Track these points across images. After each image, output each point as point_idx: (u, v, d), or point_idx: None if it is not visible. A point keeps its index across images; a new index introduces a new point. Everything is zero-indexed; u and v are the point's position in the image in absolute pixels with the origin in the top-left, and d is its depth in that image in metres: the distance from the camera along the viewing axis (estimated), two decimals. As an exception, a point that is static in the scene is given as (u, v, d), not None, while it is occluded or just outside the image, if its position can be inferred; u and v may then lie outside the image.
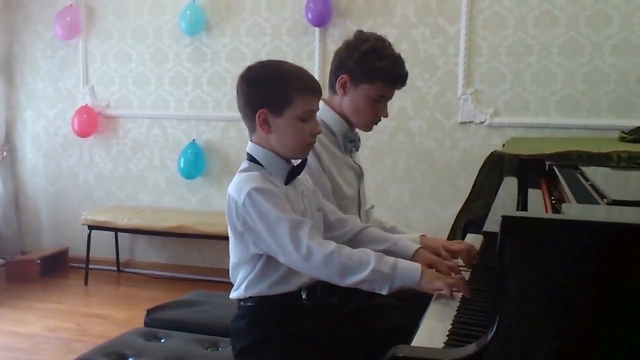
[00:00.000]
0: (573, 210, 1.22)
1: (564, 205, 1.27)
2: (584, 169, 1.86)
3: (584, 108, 3.76)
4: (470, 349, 1.15)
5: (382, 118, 2.04)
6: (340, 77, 1.99)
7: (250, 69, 1.66)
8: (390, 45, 2.00)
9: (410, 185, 4.08)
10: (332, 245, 1.56)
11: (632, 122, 3.37)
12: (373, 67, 1.94)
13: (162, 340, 2.01)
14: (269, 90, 1.62)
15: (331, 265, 1.53)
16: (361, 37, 2.00)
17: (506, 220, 1.06)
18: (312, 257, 1.53)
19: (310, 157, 1.83)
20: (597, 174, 1.74)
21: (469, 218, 2.44)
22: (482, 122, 3.92)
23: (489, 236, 1.40)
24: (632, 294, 1.01)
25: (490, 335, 1.09)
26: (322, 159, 1.93)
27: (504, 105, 3.89)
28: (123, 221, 4.26)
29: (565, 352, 1.05)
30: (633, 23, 3.66)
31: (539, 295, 1.06)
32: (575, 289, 1.03)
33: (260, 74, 1.65)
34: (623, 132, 3.07)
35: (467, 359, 1.13)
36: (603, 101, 3.72)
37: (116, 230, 4.39)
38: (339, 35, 3.99)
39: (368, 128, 2.06)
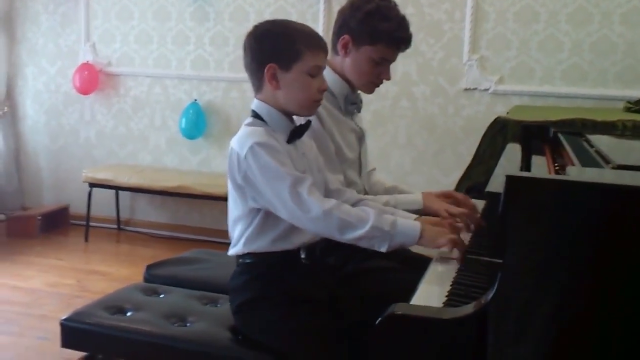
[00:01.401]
0: (579, 173, 1.21)
1: (568, 168, 1.26)
2: (588, 136, 1.85)
3: (590, 78, 3.71)
4: (469, 308, 1.15)
5: (384, 81, 2.01)
6: (342, 37, 1.94)
7: (257, 27, 1.67)
8: (395, 5, 1.95)
9: (412, 151, 4.07)
10: (331, 201, 1.58)
11: (639, 93, 3.34)
12: (376, 28, 1.89)
13: (161, 296, 2.02)
14: (278, 45, 1.62)
15: (330, 220, 1.54)
16: None
17: (510, 180, 1.05)
18: (311, 212, 1.54)
19: (313, 120, 1.81)
20: (601, 143, 1.73)
21: (470, 184, 2.44)
22: (486, 89, 3.88)
23: (491, 197, 1.40)
24: (636, 256, 1.01)
25: (490, 295, 1.09)
26: (323, 121, 1.90)
27: (509, 73, 3.85)
28: (124, 180, 4.25)
29: (566, 313, 1.05)
30: (644, -8, 3.60)
31: (541, 257, 1.05)
32: (579, 251, 1.03)
33: (268, 29, 1.66)
34: (629, 102, 3.05)
35: (466, 318, 1.14)
36: (610, 71, 3.68)
37: (117, 188, 4.39)
38: (345, -3, 3.92)
39: (369, 90, 2.02)
